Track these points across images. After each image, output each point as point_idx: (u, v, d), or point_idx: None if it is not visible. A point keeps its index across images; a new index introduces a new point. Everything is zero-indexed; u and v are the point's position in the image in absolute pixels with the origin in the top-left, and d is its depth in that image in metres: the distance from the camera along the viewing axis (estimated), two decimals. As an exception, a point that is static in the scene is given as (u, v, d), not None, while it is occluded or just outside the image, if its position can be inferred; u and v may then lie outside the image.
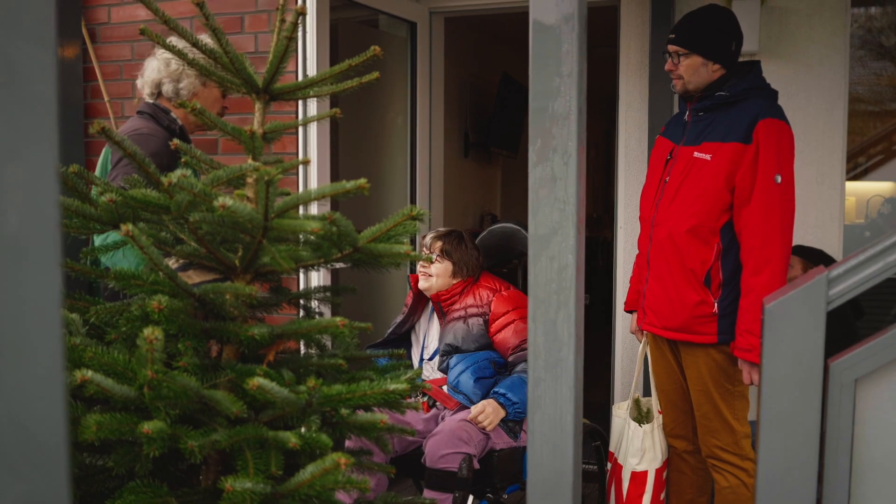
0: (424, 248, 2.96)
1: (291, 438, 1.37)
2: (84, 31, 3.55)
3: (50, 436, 0.44)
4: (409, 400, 2.89)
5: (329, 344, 1.85)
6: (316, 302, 1.90)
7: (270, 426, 1.45)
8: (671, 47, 2.53)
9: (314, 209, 3.15)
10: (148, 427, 1.29)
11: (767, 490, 1.22)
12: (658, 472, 2.62)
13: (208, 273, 1.63)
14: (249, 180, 1.60)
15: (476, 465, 2.56)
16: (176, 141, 1.72)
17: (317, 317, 1.81)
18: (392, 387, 1.49)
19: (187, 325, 1.46)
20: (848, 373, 1.23)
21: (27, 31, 0.45)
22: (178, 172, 1.42)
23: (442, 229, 3.01)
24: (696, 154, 2.47)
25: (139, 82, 2.56)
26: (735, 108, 2.44)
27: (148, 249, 1.40)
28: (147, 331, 1.29)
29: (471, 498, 2.59)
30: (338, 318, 1.51)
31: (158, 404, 1.34)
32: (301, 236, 1.58)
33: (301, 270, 3.10)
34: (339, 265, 1.65)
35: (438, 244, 2.92)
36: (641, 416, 2.80)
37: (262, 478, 1.37)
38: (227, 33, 3.35)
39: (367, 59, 1.75)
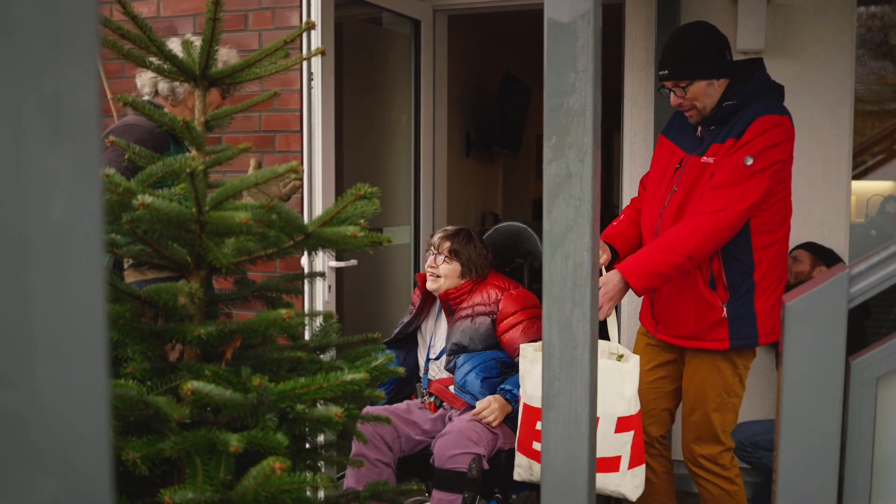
0: (432, 248, 2.93)
1: (233, 442, 1.30)
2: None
3: (94, 434, 0.42)
4: (414, 399, 2.90)
5: (307, 334, 1.80)
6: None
7: (230, 427, 1.40)
8: (669, 83, 2.45)
9: (318, 203, 3.13)
10: None
11: (788, 487, 1.21)
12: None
13: (163, 269, 1.59)
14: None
15: (485, 466, 2.55)
16: (112, 138, 1.65)
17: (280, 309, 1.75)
18: (350, 377, 1.42)
19: (131, 330, 1.41)
20: (869, 371, 1.22)
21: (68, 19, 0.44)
22: (101, 172, 1.36)
23: (450, 228, 2.98)
24: (703, 160, 2.44)
25: (138, 81, 2.54)
26: (742, 111, 2.40)
27: None
28: None
29: (478, 498, 2.58)
30: (283, 311, 1.46)
31: None
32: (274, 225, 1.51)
33: (307, 264, 3.09)
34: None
35: (447, 244, 2.89)
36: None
37: (212, 485, 1.31)
38: (231, 31, 3.35)
39: (298, 35, 1.67)
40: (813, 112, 3.38)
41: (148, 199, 1.28)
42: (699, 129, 2.51)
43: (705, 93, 2.42)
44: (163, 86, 2.49)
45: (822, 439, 1.21)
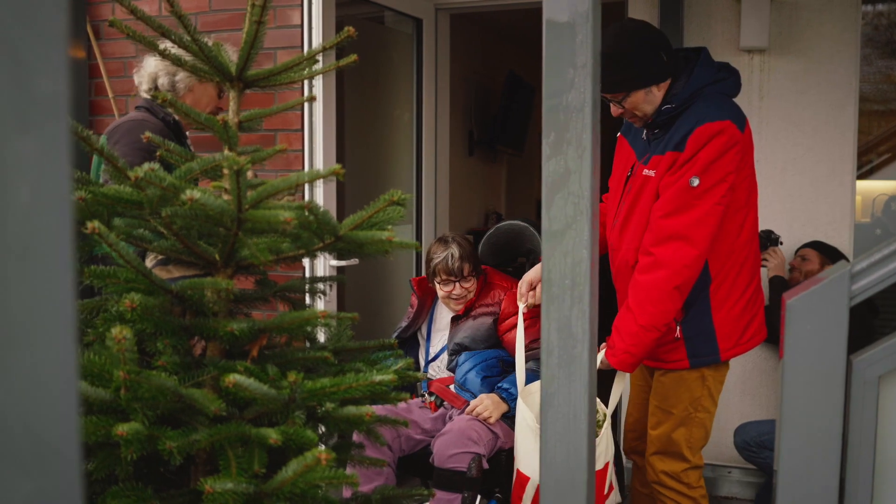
0: (450, 276, 2.83)
1: (272, 435, 1.32)
2: (88, 28, 3.53)
3: (62, 430, 0.41)
4: (414, 399, 2.88)
5: (322, 337, 1.81)
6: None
7: (256, 423, 1.41)
8: (604, 95, 2.21)
9: (319, 203, 3.13)
10: (123, 429, 1.24)
11: (789, 487, 1.19)
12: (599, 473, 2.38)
13: (189, 268, 1.60)
14: (226, 172, 1.55)
15: (485, 465, 2.53)
16: (148, 134, 1.66)
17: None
18: (379, 378, 1.44)
19: (164, 323, 1.42)
20: (871, 369, 1.21)
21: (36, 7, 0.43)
22: (147, 166, 1.37)
23: (453, 249, 2.84)
24: (645, 172, 2.28)
25: (136, 78, 2.55)
26: (682, 116, 2.20)
27: (117, 246, 1.35)
28: (115, 330, 1.24)
29: (478, 497, 2.57)
30: (318, 310, 1.47)
31: (136, 405, 1.30)
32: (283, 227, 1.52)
33: (309, 265, 3.08)
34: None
35: (467, 266, 2.83)
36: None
37: (245, 477, 1.33)
38: (233, 29, 3.34)
39: (339, 42, 1.68)
40: (817, 110, 3.36)
41: (196, 194, 1.30)
42: (644, 131, 2.36)
43: (644, 100, 2.24)
44: (163, 80, 2.49)
45: (823, 438, 1.19)
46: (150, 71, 2.51)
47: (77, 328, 1.37)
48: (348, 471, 2.57)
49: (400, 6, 3.79)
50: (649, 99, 2.24)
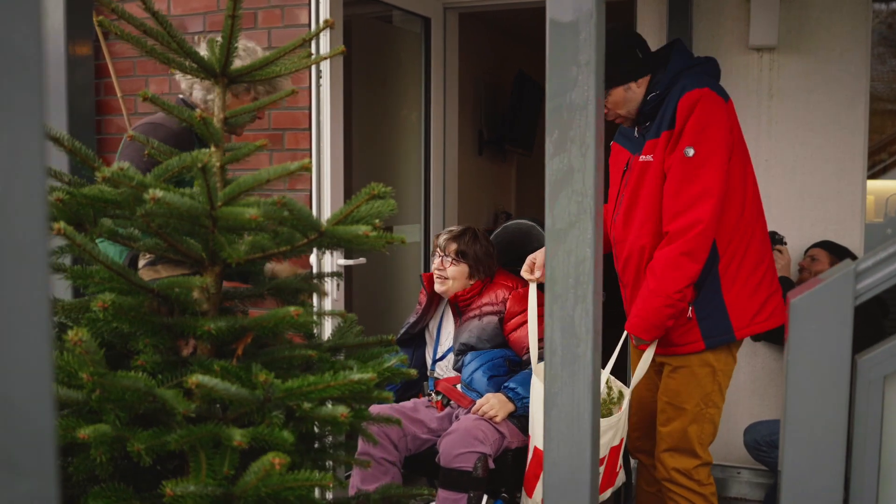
0: (438, 249, 2.91)
1: (236, 436, 1.28)
2: (96, 27, 3.54)
3: (37, 426, 0.41)
4: (421, 398, 2.88)
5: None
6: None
7: (237, 425, 1.38)
8: None
9: (326, 202, 3.13)
10: (84, 432, 1.23)
11: (793, 488, 1.18)
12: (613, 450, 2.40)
13: (178, 267, 1.59)
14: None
15: (491, 465, 2.53)
16: (131, 133, 1.66)
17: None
18: (357, 377, 1.39)
19: (141, 322, 1.41)
20: (877, 369, 1.20)
21: None
22: (116, 165, 1.37)
23: (455, 229, 2.96)
24: (642, 159, 2.32)
25: (179, 76, 2.51)
26: (666, 99, 2.28)
27: (86, 246, 1.34)
28: (71, 333, 1.23)
29: (485, 497, 2.56)
30: (292, 308, 1.44)
31: (107, 406, 1.29)
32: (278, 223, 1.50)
33: (317, 264, 3.08)
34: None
35: (453, 246, 2.87)
36: (610, 401, 2.53)
37: (216, 480, 1.30)
38: (243, 28, 3.34)
39: (322, 30, 1.68)
40: (827, 109, 3.33)
41: (159, 193, 1.28)
42: (636, 129, 2.42)
43: (625, 98, 2.33)
44: (197, 93, 2.38)
45: (827, 438, 1.18)
46: (187, 81, 2.46)
47: (63, 328, 1.37)
48: (354, 469, 2.58)
49: (408, 5, 3.79)
50: (629, 97, 2.34)
